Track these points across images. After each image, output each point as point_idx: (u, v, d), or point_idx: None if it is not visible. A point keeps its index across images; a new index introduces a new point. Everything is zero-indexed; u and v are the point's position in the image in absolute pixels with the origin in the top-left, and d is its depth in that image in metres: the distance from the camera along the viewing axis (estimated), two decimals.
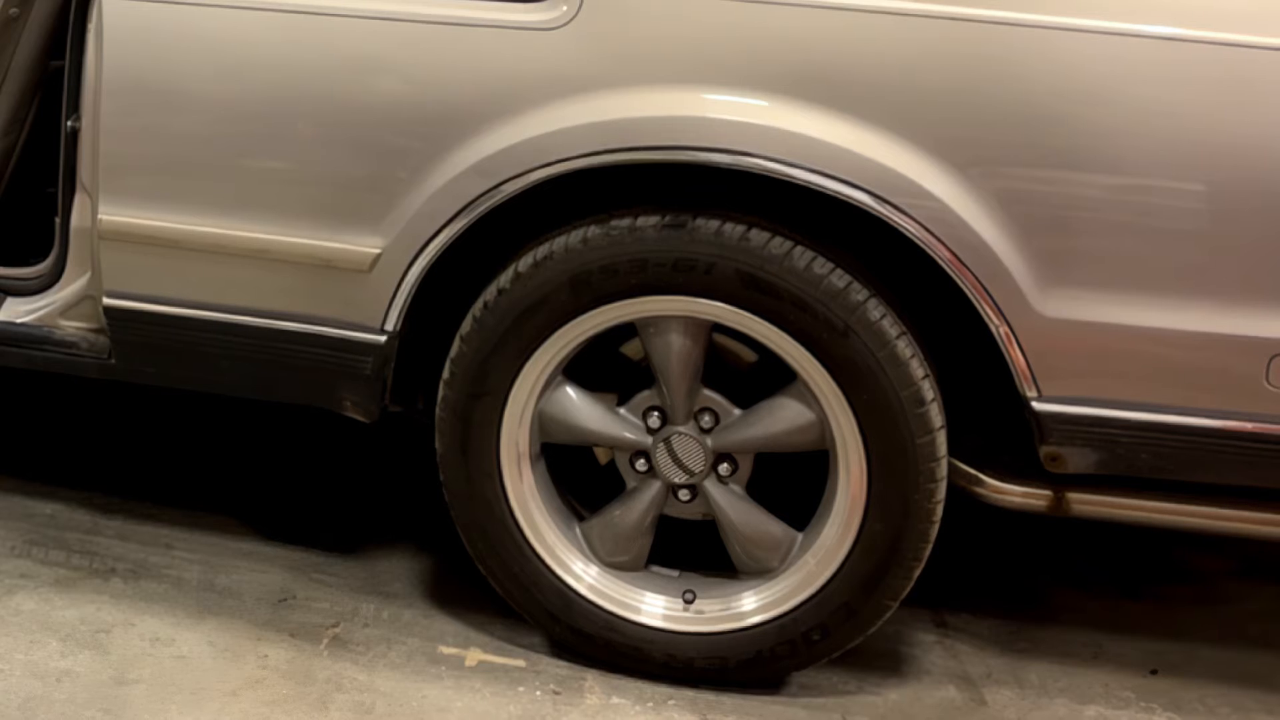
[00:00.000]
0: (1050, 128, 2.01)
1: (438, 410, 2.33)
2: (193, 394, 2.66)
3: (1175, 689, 2.44)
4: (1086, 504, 2.19)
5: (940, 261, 2.06)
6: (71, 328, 2.51)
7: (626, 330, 2.28)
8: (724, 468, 2.29)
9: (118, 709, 2.23)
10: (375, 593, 2.60)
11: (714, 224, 2.13)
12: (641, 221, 2.15)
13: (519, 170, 2.15)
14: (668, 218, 2.14)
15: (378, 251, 2.24)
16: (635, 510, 2.34)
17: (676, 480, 2.31)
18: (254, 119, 2.27)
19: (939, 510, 2.20)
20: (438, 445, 2.35)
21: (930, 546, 2.22)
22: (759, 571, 2.32)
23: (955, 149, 2.03)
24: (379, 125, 2.21)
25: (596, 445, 2.40)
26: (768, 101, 2.07)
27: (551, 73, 2.13)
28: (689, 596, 2.35)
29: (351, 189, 2.25)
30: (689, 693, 2.34)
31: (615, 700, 2.32)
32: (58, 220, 2.49)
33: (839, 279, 2.11)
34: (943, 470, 2.18)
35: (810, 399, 2.21)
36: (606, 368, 2.37)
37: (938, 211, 2.04)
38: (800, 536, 2.30)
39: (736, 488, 2.31)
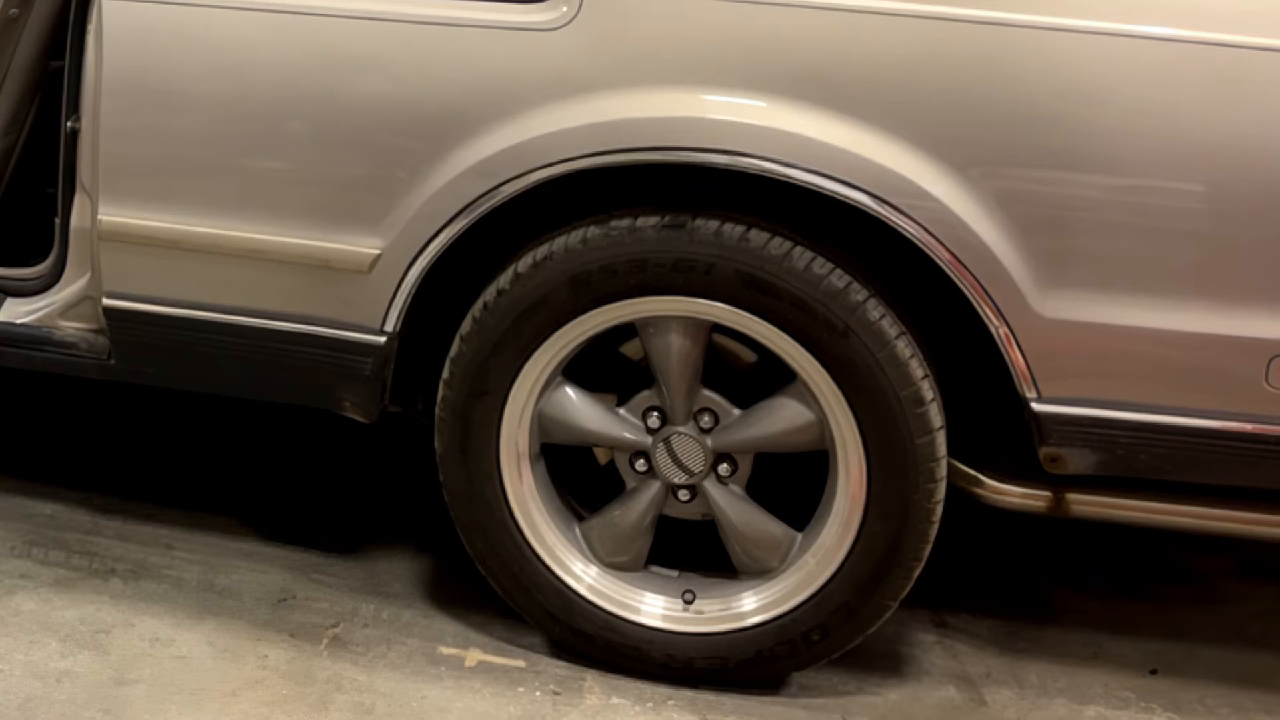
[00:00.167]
0: (1049, 128, 2.01)
1: (437, 410, 2.33)
2: (192, 394, 2.66)
3: (1175, 689, 2.44)
4: (1086, 505, 2.19)
5: (940, 262, 2.06)
6: (71, 328, 2.51)
7: (626, 330, 2.28)
8: (723, 468, 2.29)
9: (118, 709, 2.23)
10: (375, 593, 2.60)
11: (714, 224, 2.13)
12: (641, 222, 2.15)
13: (519, 171, 2.15)
14: (667, 218, 2.14)
15: (377, 252, 2.25)
16: (635, 510, 2.34)
17: (676, 480, 2.31)
18: (254, 119, 2.27)
19: (938, 510, 2.20)
20: (437, 445, 2.35)
21: (930, 546, 2.22)
22: (759, 572, 2.32)
23: (954, 149, 2.03)
24: (379, 126, 2.21)
25: (596, 445, 2.40)
26: (767, 102, 2.07)
27: (551, 73, 2.13)
28: (689, 597, 2.35)
29: (351, 189, 2.25)
30: (689, 693, 2.34)
31: (615, 700, 2.32)
32: (57, 221, 2.49)
33: (838, 279, 2.11)
34: (942, 470, 2.18)
35: (810, 399, 2.21)
36: (606, 368, 2.37)
37: (937, 212, 2.04)
38: (800, 537, 2.30)
39: (736, 488, 2.31)
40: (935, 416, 2.15)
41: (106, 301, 2.41)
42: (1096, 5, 2.00)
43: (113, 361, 2.46)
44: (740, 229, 2.12)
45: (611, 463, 2.37)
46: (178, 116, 2.30)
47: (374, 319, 2.29)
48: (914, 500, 2.17)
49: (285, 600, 2.56)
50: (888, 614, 2.27)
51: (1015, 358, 2.09)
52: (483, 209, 2.18)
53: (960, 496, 2.27)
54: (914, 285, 2.19)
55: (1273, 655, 2.57)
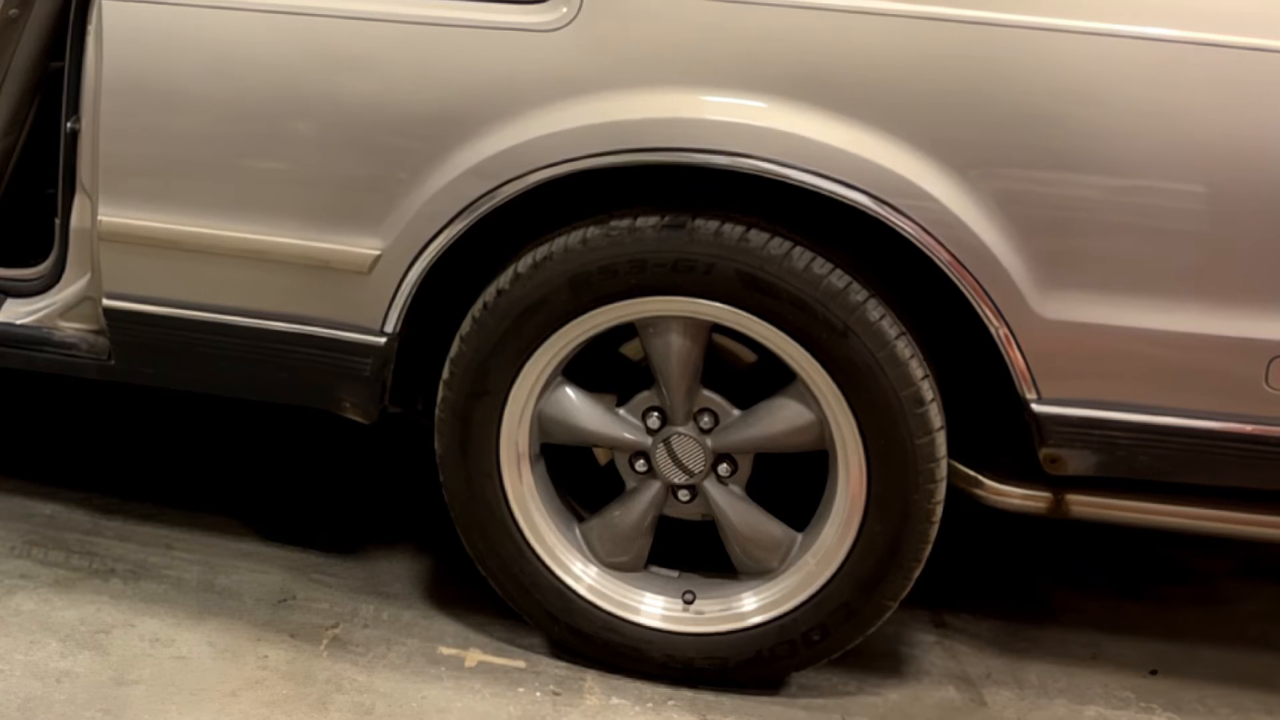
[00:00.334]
0: (1048, 129, 2.01)
1: (437, 411, 2.33)
2: (192, 394, 2.66)
3: (1175, 689, 2.44)
4: (1086, 505, 2.19)
5: (939, 263, 2.06)
6: (71, 329, 2.51)
7: (626, 331, 2.28)
8: (723, 468, 2.29)
9: (118, 709, 2.23)
10: (375, 593, 2.60)
11: (713, 225, 2.13)
12: (641, 222, 2.15)
13: (519, 172, 2.15)
14: (667, 218, 2.14)
15: (377, 253, 2.25)
16: (635, 511, 2.34)
17: (676, 481, 2.31)
18: (254, 120, 2.27)
19: (938, 511, 2.20)
20: (437, 446, 2.35)
21: (930, 547, 2.22)
22: (759, 572, 2.32)
23: (953, 150, 2.03)
24: (379, 126, 2.21)
25: (596, 446, 2.40)
26: (766, 103, 2.07)
27: (551, 74, 2.13)
28: (689, 597, 2.35)
29: (351, 190, 2.25)
30: (688, 693, 2.34)
31: (615, 701, 2.32)
32: (57, 221, 2.49)
33: (838, 279, 2.11)
34: (942, 471, 2.18)
35: (810, 399, 2.21)
36: (606, 368, 2.37)
37: (936, 213, 2.04)
38: (800, 537, 2.30)
39: (736, 488, 2.31)
40: (935, 417, 2.15)
41: (106, 302, 2.41)
42: (1095, 6, 2.00)
43: (113, 362, 2.46)
44: (740, 229, 2.12)
45: (611, 463, 2.37)
46: (178, 117, 2.30)
47: (374, 320, 2.29)
48: (914, 500, 2.17)
49: (285, 600, 2.56)
50: (888, 614, 2.27)
51: (1015, 358, 2.09)
52: (483, 210, 2.18)
53: (960, 497, 2.27)
54: (914, 286, 2.19)
55: (1273, 655, 2.57)
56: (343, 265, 2.27)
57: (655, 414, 2.29)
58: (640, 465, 2.32)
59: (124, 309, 2.40)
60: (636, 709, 2.30)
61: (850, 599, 2.25)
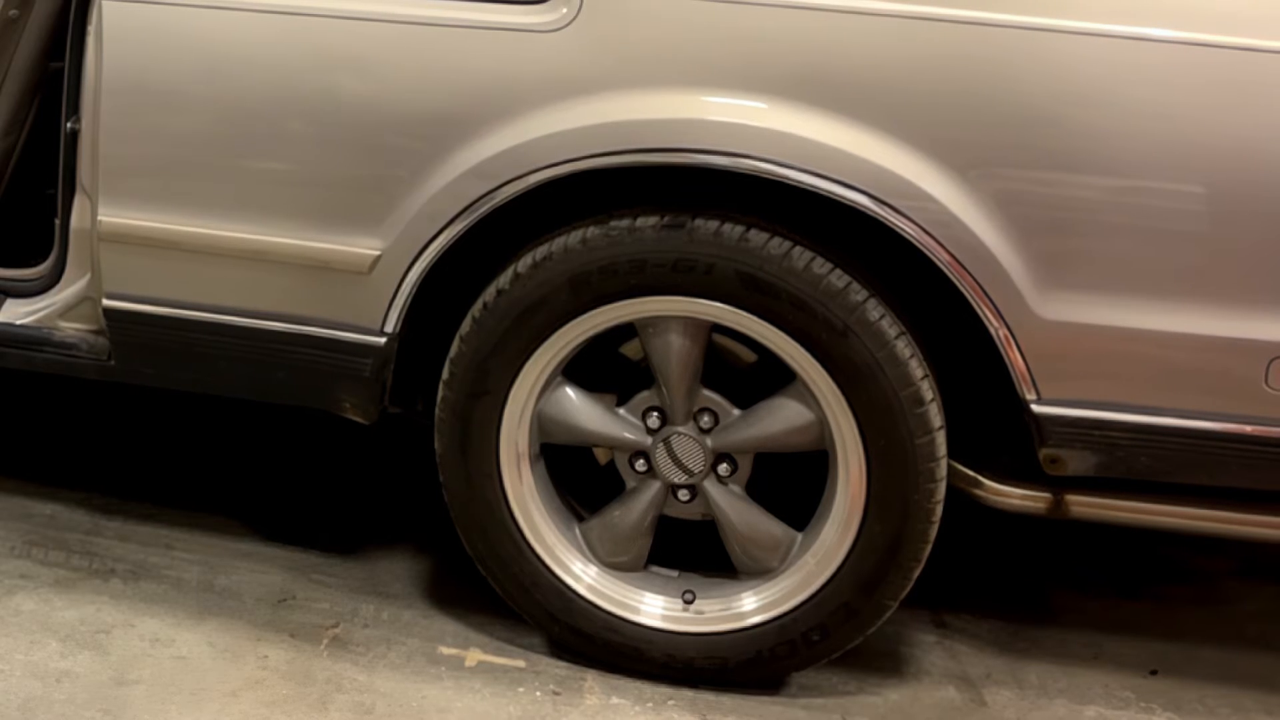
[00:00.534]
0: (1048, 129, 2.01)
1: (437, 411, 2.33)
2: (192, 395, 2.66)
3: (1175, 689, 2.44)
4: (1086, 506, 2.19)
5: (939, 264, 2.06)
6: (71, 329, 2.51)
7: (626, 330, 2.28)
8: (723, 468, 2.29)
9: (118, 709, 2.23)
10: (375, 593, 2.60)
11: (713, 225, 2.13)
12: (641, 222, 2.15)
13: (519, 172, 2.15)
14: (667, 218, 2.14)
15: (377, 253, 2.24)
16: (635, 511, 2.34)
17: (676, 480, 2.31)
18: (255, 120, 2.27)
19: (938, 510, 2.20)
20: (437, 446, 2.35)
21: (930, 547, 2.22)
22: (759, 572, 2.32)
23: (953, 151, 2.03)
24: (379, 127, 2.21)
25: (596, 445, 2.40)
26: (766, 104, 2.07)
27: (551, 75, 2.13)
28: (689, 597, 2.35)
29: (351, 190, 2.25)
30: (689, 693, 2.34)
31: (615, 700, 2.32)
32: (57, 222, 2.48)
33: (838, 279, 2.11)
34: (942, 470, 2.18)
35: (809, 399, 2.21)
36: (606, 368, 2.37)
37: (936, 213, 2.04)
38: (800, 537, 2.30)
39: (736, 488, 2.31)
40: (935, 416, 2.15)
41: (106, 302, 2.41)
42: (1095, 7, 2.00)
43: (113, 362, 2.46)
44: (740, 229, 2.12)
45: (611, 463, 2.37)
46: (178, 117, 2.30)
47: (374, 320, 2.29)
48: (914, 500, 2.17)
49: (285, 600, 2.56)
50: (888, 614, 2.27)
51: (1015, 359, 2.09)
52: (483, 210, 2.18)
53: (961, 498, 2.27)
54: (914, 287, 2.19)
55: (1273, 655, 2.57)
56: (343, 265, 2.27)
57: (655, 414, 2.29)
58: (640, 465, 2.32)
59: (124, 309, 2.40)
60: (636, 709, 2.30)
61: (850, 599, 2.25)
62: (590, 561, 2.38)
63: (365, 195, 2.24)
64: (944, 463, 2.18)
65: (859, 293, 2.11)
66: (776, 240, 2.12)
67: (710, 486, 2.30)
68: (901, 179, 2.04)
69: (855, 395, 2.15)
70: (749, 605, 2.32)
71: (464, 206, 2.19)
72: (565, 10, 2.12)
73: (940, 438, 2.16)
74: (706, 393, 2.28)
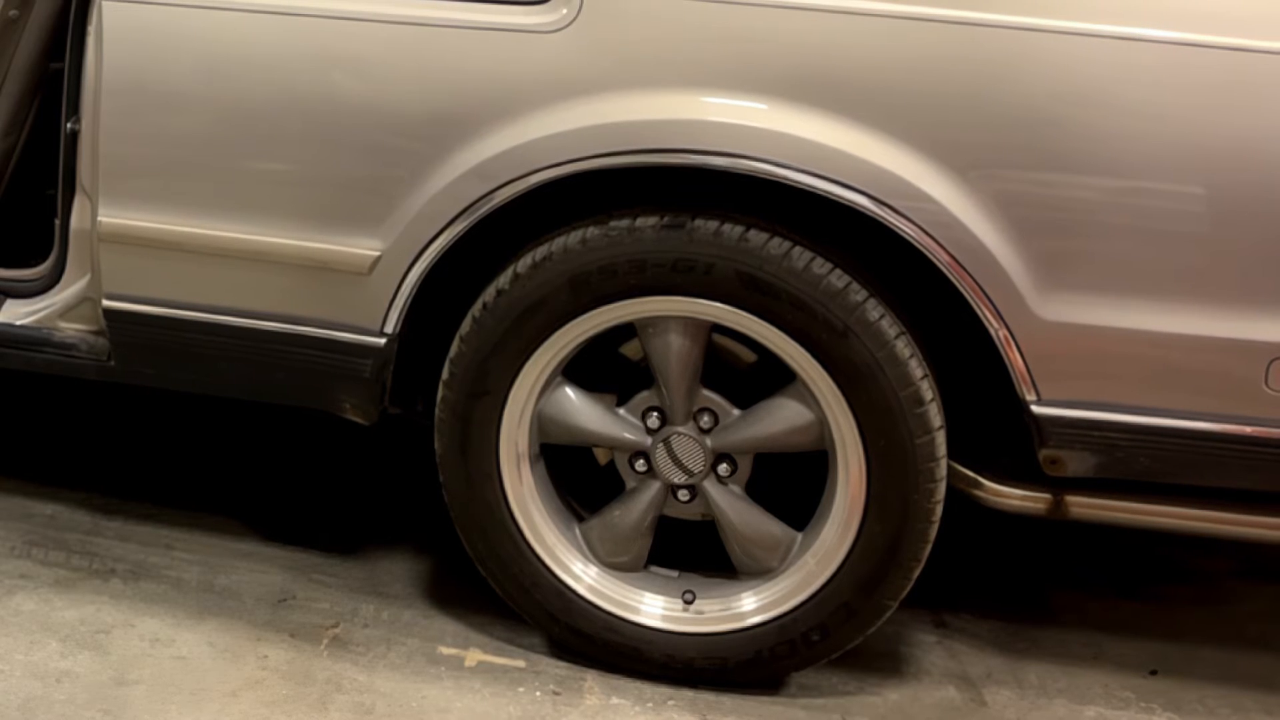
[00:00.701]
0: (1048, 130, 2.01)
1: (437, 411, 2.34)
2: (192, 395, 2.66)
3: (1175, 689, 2.44)
4: (1086, 506, 2.19)
5: (939, 264, 2.06)
6: (71, 330, 2.51)
7: (626, 331, 2.28)
8: (723, 468, 2.29)
9: (118, 709, 2.23)
10: (375, 593, 2.60)
11: (713, 225, 2.13)
12: (640, 222, 2.15)
13: (519, 173, 2.15)
14: (667, 219, 2.14)
15: (377, 254, 2.25)
16: (635, 511, 2.34)
17: (676, 480, 2.31)
18: (254, 121, 2.27)
19: (938, 510, 2.20)
20: (437, 446, 2.35)
21: (930, 547, 2.22)
22: (759, 572, 2.32)
23: (953, 152, 2.03)
24: (379, 127, 2.21)
25: (596, 446, 2.40)
26: (766, 105, 2.07)
27: (551, 76, 2.13)
28: (688, 597, 2.35)
29: (351, 191, 2.25)
30: (689, 693, 2.34)
31: (615, 701, 2.32)
32: (57, 222, 2.49)
33: (838, 279, 2.11)
34: (942, 470, 2.18)
35: (809, 399, 2.21)
36: (606, 368, 2.37)
37: (936, 214, 2.04)
38: (800, 537, 2.30)
39: (736, 488, 2.31)
40: (935, 416, 2.15)
41: (106, 303, 2.41)
42: (1095, 7, 2.00)
43: (112, 363, 2.46)
44: (739, 229, 2.12)
45: (611, 463, 2.37)
46: (178, 118, 2.30)
47: (374, 320, 2.29)
48: (914, 500, 2.18)
49: (285, 600, 2.56)
50: (888, 614, 2.27)
51: (1014, 360, 2.09)
52: (483, 210, 2.18)
53: (961, 498, 2.27)
54: (914, 287, 2.19)
55: (1273, 655, 2.57)
56: (343, 266, 2.27)
57: (655, 414, 2.29)
58: (640, 465, 2.32)
59: (124, 310, 2.40)
60: (636, 709, 2.31)
61: (850, 599, 2.25)
62: (590, 562, 2.38)
63: (365, 196, 2.24)
64: (944, 463, 2.18)
65: (859, 293, 2.11)
66: (776, 240, 2.12)
67: (710, 487, 2.30)
68: (901, 179, 2.04)
69: (855, 395, 2.15)
70: (749, 605, 2.32)
71: (464, 207, 2.19)
72: (565, 11, 2.12)
73: (940, 438, 2.16)
74: (706, 393, 2.28)
